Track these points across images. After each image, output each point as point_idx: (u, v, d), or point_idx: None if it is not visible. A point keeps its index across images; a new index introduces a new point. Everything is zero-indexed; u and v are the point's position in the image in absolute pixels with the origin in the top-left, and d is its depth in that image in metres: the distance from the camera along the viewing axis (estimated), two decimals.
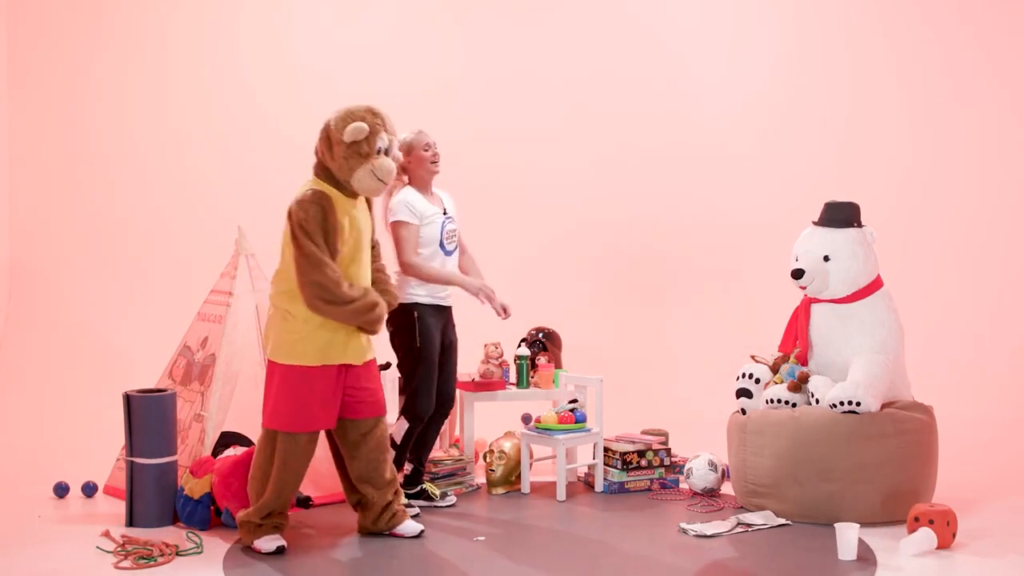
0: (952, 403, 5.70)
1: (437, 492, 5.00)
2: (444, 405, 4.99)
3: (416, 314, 4.78)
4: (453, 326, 5.01)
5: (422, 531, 4.49)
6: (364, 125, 4.20)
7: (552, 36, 8.05)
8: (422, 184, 4.87)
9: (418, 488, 4.95)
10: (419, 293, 4.82)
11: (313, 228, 4.13)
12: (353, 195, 4.32)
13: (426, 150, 4.84)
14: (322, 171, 4.31)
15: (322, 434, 4.43)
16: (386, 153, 4.29)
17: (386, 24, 8.07)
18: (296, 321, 4.22)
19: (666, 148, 7.90)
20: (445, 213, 4.88)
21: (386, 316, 4.38)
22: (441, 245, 4.85)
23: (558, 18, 8.07)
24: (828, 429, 4.56)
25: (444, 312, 4.93)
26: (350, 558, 4.22)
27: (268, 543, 4.24)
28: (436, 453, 5.28)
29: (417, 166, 4.85)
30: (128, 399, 4.63)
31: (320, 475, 4.99)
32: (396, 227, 4.78)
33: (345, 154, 4.22)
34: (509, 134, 7.94)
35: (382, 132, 4.27)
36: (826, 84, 7.81)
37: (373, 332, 4.33)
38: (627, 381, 6.81)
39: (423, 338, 4.79)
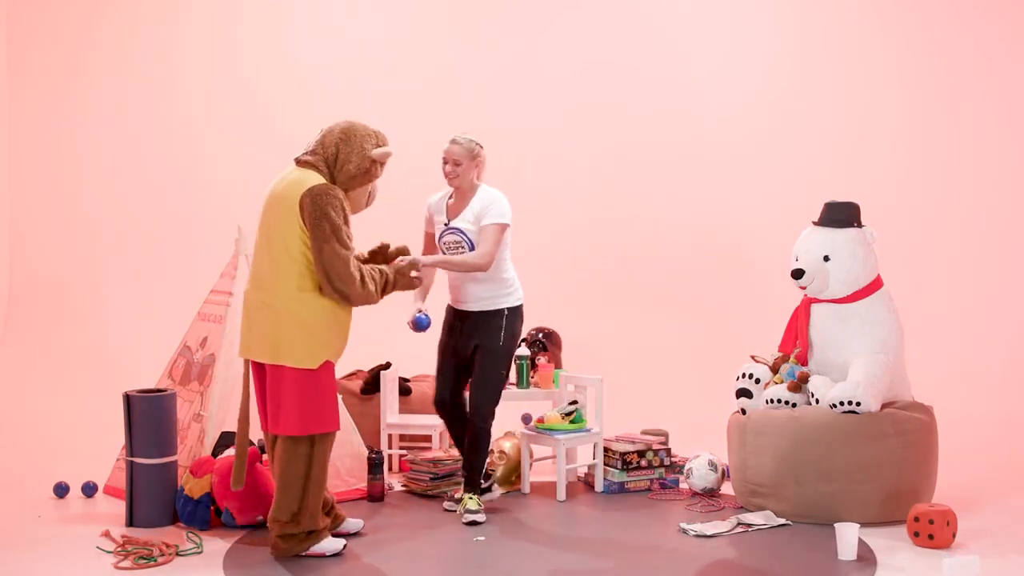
0: (952, 403, 5.70)
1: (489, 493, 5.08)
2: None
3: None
4: (467, 334, 4.79)
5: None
6: (390, 152, 4.28)
7: (552, 31, 8.05)
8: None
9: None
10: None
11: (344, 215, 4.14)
12: None
13: (445, 162, 4.76)
14: (323, 170, 4.18)
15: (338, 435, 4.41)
16: None
17: (385, 21, 8.07)
18: (318, 323, 4.14)
19: (666, 147, 7.90)
20: (448, 224, 4.77)
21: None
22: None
23: (558, 13, 8.06)
24: (828, 429, 4.56)
25: (458, 315, 4.84)
26: (350, 558, 4.21)
27: (332, 544, 4.24)
28: (436, 453, 5.28)
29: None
30: (128, 399, 4.63)
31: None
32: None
33: (361, 168, 4.21)
34: (508, 130, 7.92)
35: None
36: (826, 84, 7.81)
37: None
38: (627, 381, 6.80)
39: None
